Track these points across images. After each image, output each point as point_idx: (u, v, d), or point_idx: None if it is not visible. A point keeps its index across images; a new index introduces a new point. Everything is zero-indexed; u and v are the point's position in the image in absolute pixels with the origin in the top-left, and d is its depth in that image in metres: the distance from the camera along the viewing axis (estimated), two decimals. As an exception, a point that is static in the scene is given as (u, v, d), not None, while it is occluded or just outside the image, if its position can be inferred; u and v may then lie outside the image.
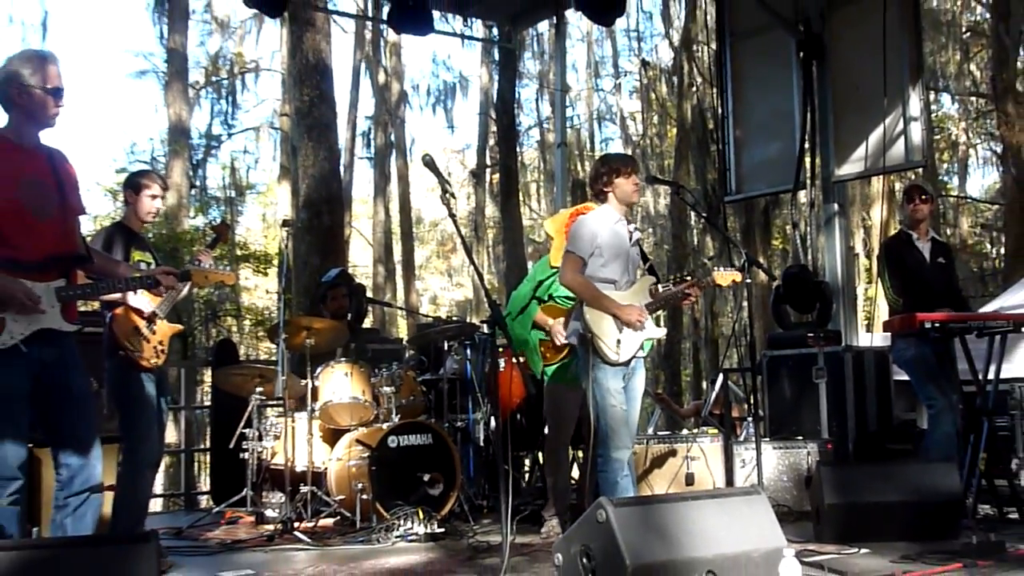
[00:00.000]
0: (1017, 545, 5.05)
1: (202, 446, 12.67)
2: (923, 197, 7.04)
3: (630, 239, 5.61)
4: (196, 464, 13.17)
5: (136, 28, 67.43)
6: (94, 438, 4.46)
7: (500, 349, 6.92)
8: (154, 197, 6.04)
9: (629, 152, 19.44)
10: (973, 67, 24.23)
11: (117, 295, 5.34)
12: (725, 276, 5.65)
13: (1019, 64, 20.50)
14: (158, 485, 11.55)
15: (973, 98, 24.89)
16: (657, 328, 5.59)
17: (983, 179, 29.26)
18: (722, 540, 3.96)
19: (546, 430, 6.56)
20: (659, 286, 5.63)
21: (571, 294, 5.80)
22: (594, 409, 5.39)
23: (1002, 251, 23.31)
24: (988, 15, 21.22)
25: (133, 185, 6.02)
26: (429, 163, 5.09)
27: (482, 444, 7.50)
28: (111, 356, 5.63)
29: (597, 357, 5.34)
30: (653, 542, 3.81)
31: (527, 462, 7.82)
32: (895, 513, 5.42)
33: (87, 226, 5.16)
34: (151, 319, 5.64)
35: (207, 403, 10.18)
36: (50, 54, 4.51)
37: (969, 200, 27.68)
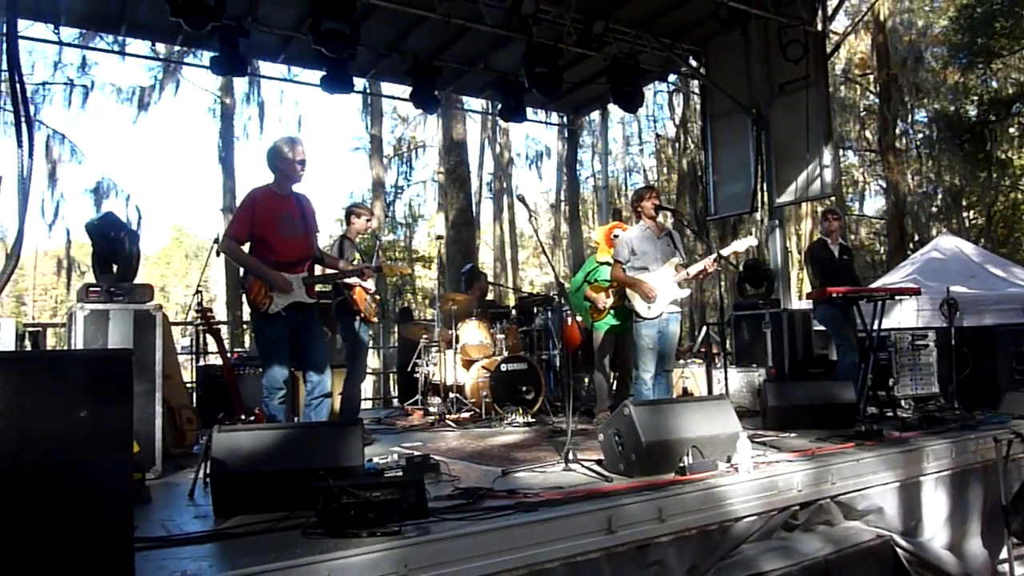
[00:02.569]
0: (891, 432, 4.92)
1: (393, 370, 12.92)
2: (835, 216, 6.86)
3: (659, 237, 5.52)
4: (389, 380, 13.46)
5: (352, 122, 68.42)
6: (327, 364, 4.57)
7: (566, 312, 6.94)
8: (367, 220, 6.17)
9: (648, 190, 19.34)
10: (867, 133, 23.34)
11: (349, 280, 5.45)
12: (737, 246, 5.53)
13: (896, 131, 19.78)
14: (366, 392, 11.82)
15: (867, 152, 23.98)
16: (682, 290, 5.45)
17: (874, 203, 28.06)
18: (702, 427, 3.91)
19: (595, 360, 6.53)
20: (684, 266, 5.46)
21: (608, 277, 5.79)
22: (634, 347, 5.45)
23: (885, 249, 22.46)
24: (877, 100, 20.38)
25: (354, 212, 6.15)
26: (521, 199, 5.15)
27: (557, 369, 7.51)
28: (347, 315, 5.66)
29: (636, 315, 5.40)
30: (659, 428, 3.78)
31: (584, 380, 7.78)
32: (813, 412, 5.28)
33: (322, 239, 5.26)
34: (373, 294, 5.76)
35: (395, 344, 10.34)
36: (298, 138, 4.60)
37: (865, 217, 26.68)
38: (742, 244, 5.59)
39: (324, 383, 4.50)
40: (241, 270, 4.59)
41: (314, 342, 4.54)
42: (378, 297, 5.98)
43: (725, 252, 5.46)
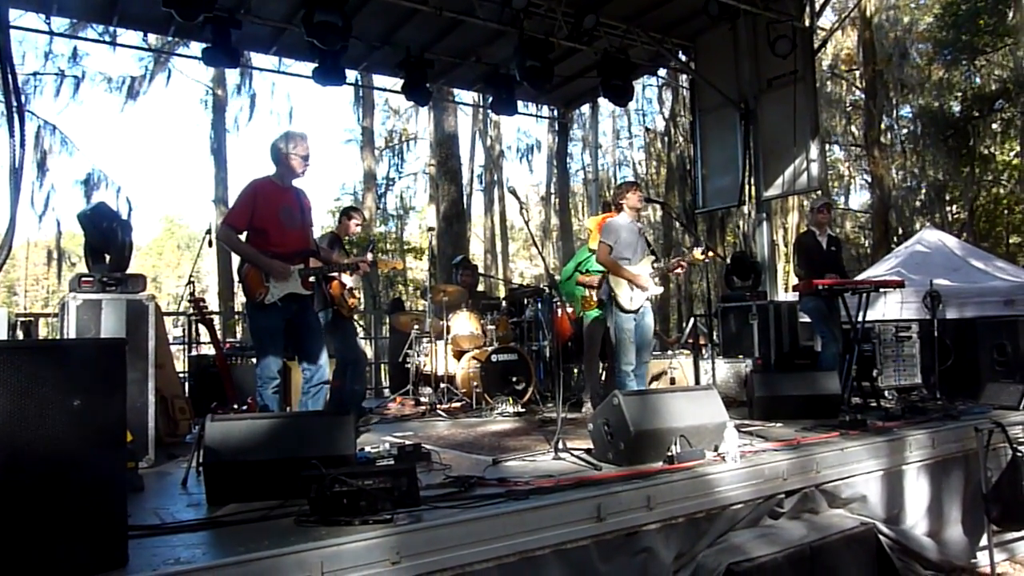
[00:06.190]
0: (875, 422, 4.96)
1: (384, 359, 12.89)
2: (822, 209, 6.86)
3: (639, 233, 5.60)
4: (381, 370, 13.46)
5: (344, 114, 68.04)
6: (322, 353, 4.55)
7: (556, 303, 6.94)
8: (358, 225, 6.20)
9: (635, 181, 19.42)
10: (853, 128, 23.42)
11: (333, 274, 5.43)
12: (699, 255, 5.58)
13: (882, 126, 19.87)
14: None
15: (853, 147, 24.07)
16: (657, 287, 5.51)
17: (859, 197, 28.17)
18: (690, 417, 3.92)
19: (584, 350, 6.53)
20: (659, 261, 5.60)
21: (599, 267, 5.78)
22: (613, 339, 5.41)
23: (870, 242, 22.59)
24: (863, 95, 20.45)
25: (348, 215, 6.16)
26: (513, 192, 5.19)
27: (547, 359, 7.50)
28: (325, 309, 5.71)
29: (617, 307, 5.37)
30: (647, 417, 3.79)
31: (574, 370, 7.77)
32: (799, 402, 5.29)
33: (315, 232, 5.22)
34: (350, 290, 5.74)
35: (387, 335, 10.32)
36: (304, 134, 4.54)
37: (850, 210, 26.79)
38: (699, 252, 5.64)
39: (322, 371, 4.49)
40: (236, 260, 4.56)
41: (310, 331, 4.52)
42: (356, 294, 5.95)
43: (687, 259, 5.64)
